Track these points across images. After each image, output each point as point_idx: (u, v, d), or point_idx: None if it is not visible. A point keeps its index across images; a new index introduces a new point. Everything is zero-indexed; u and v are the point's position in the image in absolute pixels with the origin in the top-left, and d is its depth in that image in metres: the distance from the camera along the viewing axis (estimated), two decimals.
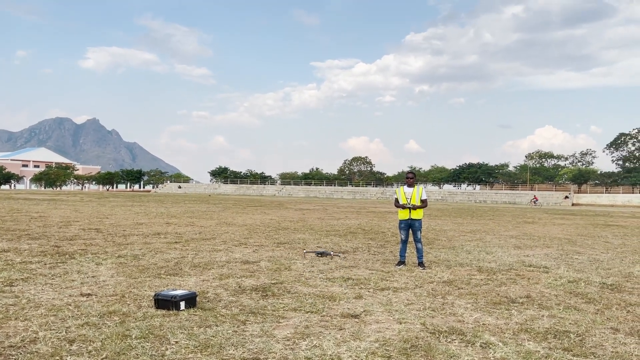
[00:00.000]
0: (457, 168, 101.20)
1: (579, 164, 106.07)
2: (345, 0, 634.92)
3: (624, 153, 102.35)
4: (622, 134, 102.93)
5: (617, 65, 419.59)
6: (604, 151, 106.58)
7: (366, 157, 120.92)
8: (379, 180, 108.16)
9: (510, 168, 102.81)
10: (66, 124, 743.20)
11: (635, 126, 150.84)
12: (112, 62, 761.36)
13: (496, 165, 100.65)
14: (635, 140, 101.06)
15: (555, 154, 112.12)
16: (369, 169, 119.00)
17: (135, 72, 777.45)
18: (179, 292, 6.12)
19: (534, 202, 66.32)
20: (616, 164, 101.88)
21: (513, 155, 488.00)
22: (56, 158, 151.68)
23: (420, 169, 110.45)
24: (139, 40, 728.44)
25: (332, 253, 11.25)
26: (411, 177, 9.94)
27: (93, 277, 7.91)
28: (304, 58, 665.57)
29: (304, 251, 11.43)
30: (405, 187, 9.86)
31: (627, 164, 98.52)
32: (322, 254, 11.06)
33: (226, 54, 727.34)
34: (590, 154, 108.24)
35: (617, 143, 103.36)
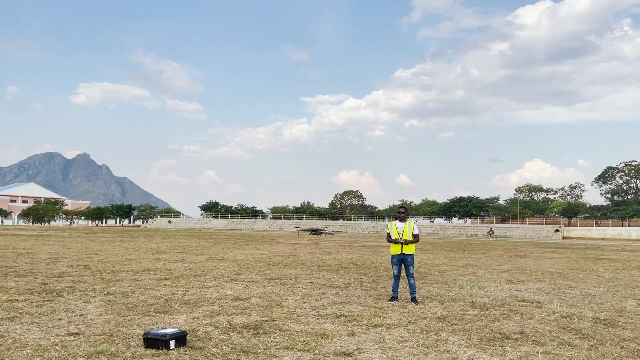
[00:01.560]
0: (448, 202, 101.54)
1: (568, 197, 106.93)
2: (335, 37, 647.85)
3: (612, 186, 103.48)
4: (609, 168, 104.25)
5: (601, 101, 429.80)
6: (592, 184, 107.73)
7: (357, 190, 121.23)
8: (371, 214, 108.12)
9: (501, 201, 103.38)
10: (56, 159, 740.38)
11: (622, 160, 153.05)
12: (104, 98, 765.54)
13: (487, 199, 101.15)
14: (622, 173, 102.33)
15: (544, 188, 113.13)
16: (360, 202, 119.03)
17: (126, 107, 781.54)
18: (169, 330, 6.02)
19: (490, 235, 67.24)
20: (605, 197, 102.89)
21: (503, 188, 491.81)
22: (45, 193, 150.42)
23: (411, 202, 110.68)
24: (131, 75, 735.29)
25: (325, 230, 11.17)
26: (403, 212, 9.96)
27: (81, 315, 7.76)
28: (294, 93, 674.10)
29: (297, 229, 11.31)
30: (397, 221, 9.87)
31: (615, 197, 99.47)
32: (315, 231, 10.97)
33: (218, 90, 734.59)
34: (579, 187, 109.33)
35: (605, 177, 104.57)
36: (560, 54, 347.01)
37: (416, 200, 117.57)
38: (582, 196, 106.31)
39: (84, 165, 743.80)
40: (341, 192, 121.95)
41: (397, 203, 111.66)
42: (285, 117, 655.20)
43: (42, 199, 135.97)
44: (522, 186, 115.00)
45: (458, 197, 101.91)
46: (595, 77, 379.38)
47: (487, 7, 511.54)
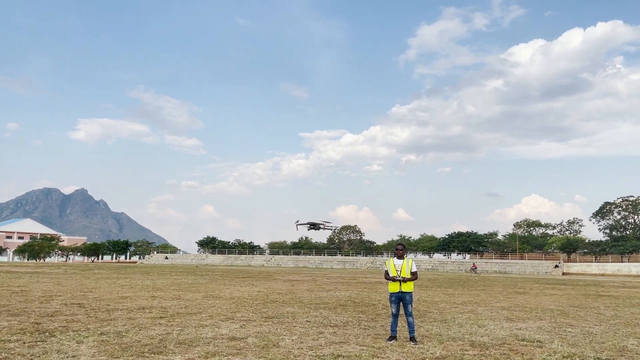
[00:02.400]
0: (447, 237, 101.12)
1: (567, 232, 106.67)
2: (332, 74, 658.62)
3: (610, 222, 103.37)
4: (607, 203, 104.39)
5: (596, 137, 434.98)
6: (590, 220, 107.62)
7: (355, 225, 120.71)
8: (369, 249, 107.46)
9: (499, 237, 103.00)
10: (53, 195, 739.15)
11: (618, 195, 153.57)
12: (103, 134, 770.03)
13: (485, 234, 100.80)
14: (620, 209, 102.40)
15: (542, 223, 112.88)
16: (358, 237, 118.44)
17: (125, 143, 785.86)
18: None
19: (474, 270, 67.32)
20: (603, 232, 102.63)
21: (501, 223, 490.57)
22: (41, 229, 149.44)
23: (409, 237, 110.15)
24: (130, 112, 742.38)
25: (323, 224, 11.03)
26: (401, 249, 9.92)
27: (73, 357, 7.61)
28: (292, 129, 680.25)
29: (296, 223, 11.14)
30: (395, 258, 9.82)
31: (614, 232, 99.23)
32: (314, 225, 10.83)
33: (217, 125, 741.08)
34: (577, 222, 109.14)
35: (602, 212, 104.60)
36: (554, 91, 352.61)
37: (414, 235, 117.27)
38: (580, 231, 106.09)
39: (81, 200, 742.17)
40: (339, 227, 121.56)
41: (396, 238, 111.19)
42: (284, 152, 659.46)
43: (38, 235, 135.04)
44: (521, 221, 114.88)
45: (456, 232, 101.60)
46: (589, 114, 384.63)
47: (481, 45, 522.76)
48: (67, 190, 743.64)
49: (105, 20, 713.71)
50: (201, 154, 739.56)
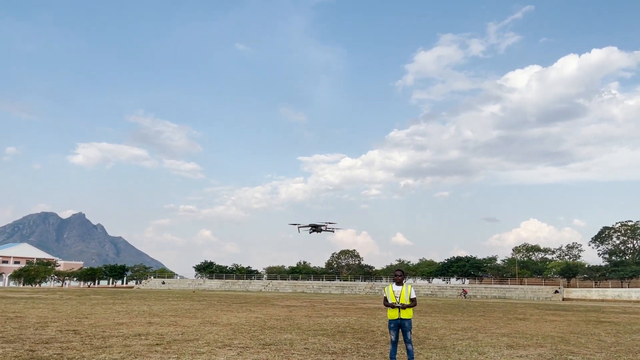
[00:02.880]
0: (446, 262, 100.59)
1: (566, 257, 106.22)
2: (331, 99, 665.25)
3: (609, 246, 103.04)
4: (605, 228, 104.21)
5: (593, 161, 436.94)
6: (589, 244, 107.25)
7: (354, 250, 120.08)
8: (368, 274, 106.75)
9: (498, 261, 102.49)
10: (51, 219, 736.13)
11: (617, 219, 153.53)
12: (101, 158, 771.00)
13: (484, 259, 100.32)
14: (619, 234, 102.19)
15: (542, 247, 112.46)
16: (357, 262, 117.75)
17: (124, 167, 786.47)
18: None
19: (464, 295, 67.17)
20: (603, 257, 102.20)
21: (500, 248, 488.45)
22: (38, 254, 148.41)
23: (408, 262, 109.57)
24: (129, 136, 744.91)
25: (325, 226, 10.89)
26: (399, 275, 9.87)
27: None
28: (291, 153, 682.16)
29: (298, 226, 11.00)
30: (394, 285, 9.76)
31: (613, 257, 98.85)
32: (315, 227, 10.69)
33: (215, 149, 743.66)
34: (577, 247, 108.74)
35: (601, 237, 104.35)
36: (550, 116, 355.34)
37: (413, 259, 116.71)
38: (580, 256, 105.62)
39: (78, 225, 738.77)
40: (338, 252, 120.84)
41: (394, 263, 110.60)
42: (282, 176, 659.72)
43: (35, 259, 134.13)
44: (520, 246, 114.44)
45: (455, 257, 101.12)
46: (586, 139, 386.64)
47: (477, 71, 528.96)
48: (65, 214, 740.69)
49: (105, 45, 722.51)
50: (199, 177, 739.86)
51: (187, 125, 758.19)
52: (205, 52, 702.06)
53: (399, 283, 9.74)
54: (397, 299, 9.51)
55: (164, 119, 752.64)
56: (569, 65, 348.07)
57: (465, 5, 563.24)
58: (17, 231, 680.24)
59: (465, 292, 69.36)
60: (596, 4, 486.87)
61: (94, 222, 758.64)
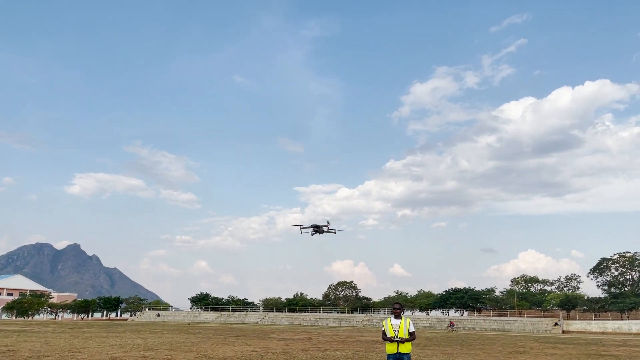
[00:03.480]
0: (444, 293, 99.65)
1: (565, 289, 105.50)
2: (327, 130, 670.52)
3: (608, 278, 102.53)
4: (603, 259, 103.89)
5: (589, 192, 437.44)
6: (588, 276, 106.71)
7: (351, 281, 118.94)
8: (365, 305, 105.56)
9: (497, 293, 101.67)
10: (45, 250, 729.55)
11: (614, 250, 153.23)
12: (98, 188, 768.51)
13: (482, 290, 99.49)
14: (617, 265, 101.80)
15: (540, 279, 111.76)
16: (354, 294, 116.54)
17: (120, 197, 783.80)
18: None
19: (451, 327, 66.72)
20: (602, 289, 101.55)
21: (498, 279, 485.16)
22: (31, 285, 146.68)
23: (406, 294, 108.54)
24: (126, 166, 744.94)
25: (327, 226, 10.70)
26: (398, 308, 9.79)
27: None
28: (288, 183, 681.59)
29: (300, 227, 10.81)
30: (393, 318, 9.68)
31: (612, 289, 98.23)
32: (317, 228, 10.49)
33: (212, 180, 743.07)
34: (575, 278, 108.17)
35: (600, 268, 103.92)
36: (546, 147, 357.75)
37: (411, 291, 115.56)
38: (578, 288, 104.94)
39: (73, 256, 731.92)
40: (335, 283, 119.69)
41: (392, 294, 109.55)
42: (279, 207, 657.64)
43: (28, 291, 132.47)
44: (518, 277, 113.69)
45: (454, 288, 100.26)
46: (582, 170, 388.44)
47: (473, 102, 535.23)
48: (60, 245, 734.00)
49: (105, 76, 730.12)
50: (196, 208, 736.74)
51: (185, 155, 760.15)
52: (204, 84, 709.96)
53: (398, 316, 9.66)
54: (396, 332, 9.42)
55: (162, 150, 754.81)
56: (563, 97, 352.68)
57: (459, 38, 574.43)
58: (11, 262, 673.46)
59: (452, 323, 68.82)
60: (588, 38, 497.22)
61: (89, 253, 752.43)
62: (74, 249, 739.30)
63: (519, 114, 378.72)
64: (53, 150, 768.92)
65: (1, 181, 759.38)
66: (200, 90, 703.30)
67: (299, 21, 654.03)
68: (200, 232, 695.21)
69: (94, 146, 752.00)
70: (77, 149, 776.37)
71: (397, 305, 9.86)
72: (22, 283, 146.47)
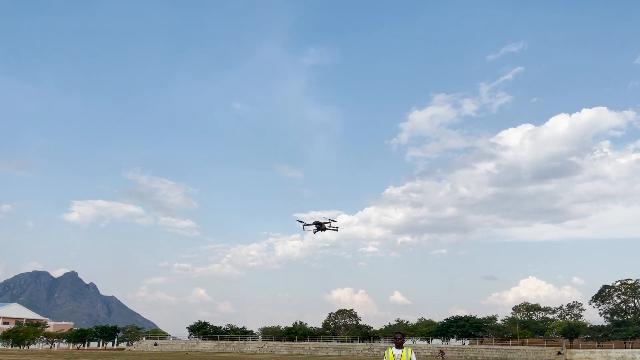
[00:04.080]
0: (445, 321, 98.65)
1: (567, 316, 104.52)
2: (326, 157, 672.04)
3: (610, 306, 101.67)
4: (605, 287, 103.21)
5: (589, 219, 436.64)
6: (590, 303, 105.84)
7: (351, 309, 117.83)
8: (366, 334, 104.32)
9: (499, 321, 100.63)
10: (42, 278, 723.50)
11: (616, 278, 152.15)
12: (96, 215, 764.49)
13: (484, 318, 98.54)
14: (619, 292, 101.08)
15: (542, 307, 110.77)
16: (354, 322, 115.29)
17: (118, 224, 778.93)
18: None
19: (442, 356, 66.32)
20: (604, 317, 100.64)
21: (500, 307, 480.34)
22: (27, 314, 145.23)
23: (407, 322, 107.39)
24: (125, 193, 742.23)
25: (329, 223, 10.59)
26: (400, 338, 9.75)
27: None
28: (287, 210, 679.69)
29: (303, 224, 10.71)
30: (394, 348, 9.62)
31: (615, 317, 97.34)
32: (319, 225, 10.38)
33: (211, 206, 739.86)
34: (577, 306, 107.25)
35: (602, 295, 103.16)
36: (544, 174, 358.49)
37: (412, 319, 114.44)
38: (581, 316, 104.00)
39: (70, 284, 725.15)
40: (335, 311, 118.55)
41: (393, 323, 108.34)
42: (278, 233, 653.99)
43: (24, 320, 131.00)
44: (520, 305, 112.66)
45: (455, 316, 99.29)
46: (581, 196, 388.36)
47: (471, 129, 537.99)
48: (57, 273, 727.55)
49: (105, 103, 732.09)
50: (195, 235, 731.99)
51: (184, 182, 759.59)
52: (203, 111, 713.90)
53: (399, 346, 9.61)
54: None
55: (161, 176, 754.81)
56: (561, 124, 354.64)
57: (457, 66, 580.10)
58: (8, 290, 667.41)
59: (442, 352, 68.27)
60: (583, 66, 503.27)
61: (86, 281, 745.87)
62: (71, 276, 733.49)
63: (517, 141, 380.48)
64: (52, 177, 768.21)
65: (0, 208, 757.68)
66: (199, 117, 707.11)
67: (298, 49, 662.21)
68: (199, 260, 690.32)
69: (93, 173, 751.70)
70: (76, 175, 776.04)
71: (398, 335, 9.82)
72: (18, 312, 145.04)
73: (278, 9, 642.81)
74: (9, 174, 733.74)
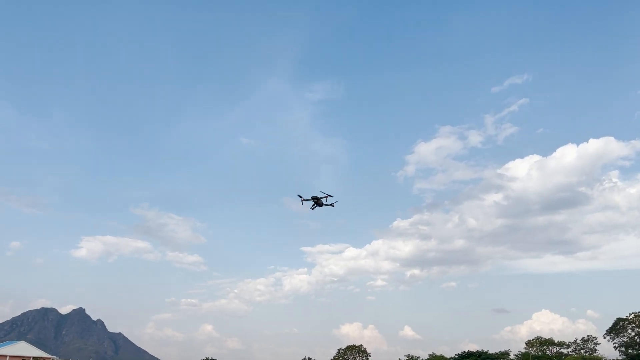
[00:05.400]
0: (457, 357, 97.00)
1: (582, 351, 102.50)
2: (333, 189, 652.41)
3: (625, 339, 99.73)
4: (619, 320, 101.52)
5: (601, 250, 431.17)
6: (604, 337, 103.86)
7: (361, 345, 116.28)
8: None
9: (512, 357, 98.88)
10: (50, 315, 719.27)
11: (631, 310, 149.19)
12: (104, 251, 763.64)
13: (497, 353, 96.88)
14: (634, 325, 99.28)
15: (556, 341, 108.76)
16: (364, 358, 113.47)
17: (126, 260, 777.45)
18: None
19: None
20: (619, 350, 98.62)
21: (512, 341, 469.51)
22: (35, 352, 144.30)
23: (418, 358, 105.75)
24: (133, 229, 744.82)
25: (326, 197, 10.77)
26: None
27: None
28: (294, 243, 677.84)
29: (302, 199, 10.89)
30: None
31: (630, 350, 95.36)
32: (317, 200, 10.56)
33: (219, 241, 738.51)
34: (592, 340, 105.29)
35: (616, 329, 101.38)
36: (554, 205, 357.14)
37: (423, 354, 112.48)
38: (596, 350, 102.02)
39: (78, 320, 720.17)
40: (344, 347, 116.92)
41: (403, 358, 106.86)
42: (285, 267, 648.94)
43: (31, 358, 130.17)
44: (533, 339, 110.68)
45: (466, 351, 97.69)
46: (592, 227, 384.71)
47: (478, 161, 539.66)
48: (65, 309, 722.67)
49: (114, 140, 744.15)
50: (202, 270, 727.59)
51: (192, 217, 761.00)
52: (211, 146, 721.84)
53: None
54: None
55: (169, 212, 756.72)
56: (568, 154, 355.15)
57: (461, 98, 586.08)
58: (15, 328, 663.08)
59: None
60: (589, 97, 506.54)
61: (94, 318, 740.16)
62: (79, 313, 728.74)
63: (525, 172, 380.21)
64: (61, 214, 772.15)
65: (9, 245, 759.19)
66: (207, 151, 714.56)
67: (303, 84, 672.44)
68: (206, 295, 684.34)
69: (101, 209, 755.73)
70: (85, 211, 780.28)
71: None
72: (26, 350, 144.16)
73: (283, 45, 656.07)
74: (19, 211, 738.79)
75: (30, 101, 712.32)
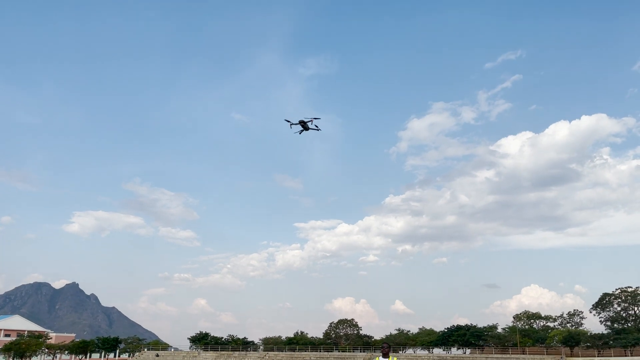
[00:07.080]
0: (446, 330, 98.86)
1: (568, 324, 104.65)
2: (326, 166, 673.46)
3: (611, 313, 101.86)
4: (605, 294, 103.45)
5: (590, 226, 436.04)
6: (590, 311, 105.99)
7: (352, 319, 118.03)
8: (367, 344, 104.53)
9: (499, 330, 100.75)
10: (44, 289, 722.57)
11: (617, 285, 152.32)
12: (97, 226, 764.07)
13: (485, 327, 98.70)
14: (619, 300, 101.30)
15: (543, 315, 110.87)
16: (355, 332, 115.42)
17: (119, 235, 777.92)
18: None
19: None
20: (605, 324, 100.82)
21: (502, 315, 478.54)
22: (29, 326, 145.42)
23: (408, 331, 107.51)
24: (125, 204, 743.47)
25: (311, 121, 11.36)
26: (387, 347, 10.43)
27: None
28: (287, 219, 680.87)
29: (290, 123, 11.43)
30: (381, 357, 10.29)
31: (615, 324, 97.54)
32: (304, 124, 11.15)
33: (211, 217, 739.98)
34: (578, 314, 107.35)
35: (602, 303, 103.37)
36: (545, 181, 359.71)
37: (413, 328, 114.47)
38: (582, 324, 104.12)
39: (71, 295, 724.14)
40: (336, 321, 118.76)
41: (394, 332, 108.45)
42: (278, 243, 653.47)
43: (26, 332, 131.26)
44: (520, 313, 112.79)
45: (456, 325, 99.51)
46: (582, 203, 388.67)
47: (470, 137, 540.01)
48: (58, 284, 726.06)
49: (104, 114, 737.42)
50: (195, 245, 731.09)
51: (184, 192, 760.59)
52: (203, 122, 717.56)
53: (386, 355, 10.29)
54: None
55: (161, 187, 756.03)
56: (560, 131, 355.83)
57: (455, 75, 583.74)
58: (9, 302, 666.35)
59: None
60: (582, 73, 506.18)
61: (88, 292, 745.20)
62: (72, 287, 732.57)
63: (517, 149, 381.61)
64: (52, 189, 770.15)
65: (0, 220, 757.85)
66: (199, 127, 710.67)
67: (296, 59, 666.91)
68: (199, 270, 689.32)
69: (93, 184, 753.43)
70: (77, 187, 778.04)
71: (385, 345, 10.52)
72: (20, 324, 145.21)
73: (275, 20, 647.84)
74: (10, 186, 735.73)
75: (19, 75, 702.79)
